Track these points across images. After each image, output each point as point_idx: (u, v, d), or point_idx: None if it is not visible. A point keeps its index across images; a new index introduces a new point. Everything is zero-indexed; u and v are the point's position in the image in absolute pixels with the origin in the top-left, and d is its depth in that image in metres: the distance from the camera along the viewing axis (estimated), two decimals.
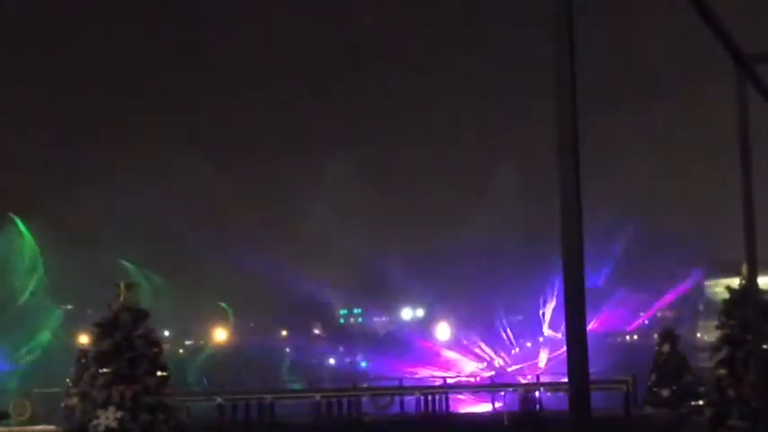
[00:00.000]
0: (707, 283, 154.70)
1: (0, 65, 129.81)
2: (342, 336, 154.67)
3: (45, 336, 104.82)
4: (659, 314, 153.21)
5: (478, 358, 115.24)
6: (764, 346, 11.15)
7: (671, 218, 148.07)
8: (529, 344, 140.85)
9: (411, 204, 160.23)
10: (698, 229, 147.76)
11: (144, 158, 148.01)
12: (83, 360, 34.63)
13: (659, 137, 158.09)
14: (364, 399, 55.44)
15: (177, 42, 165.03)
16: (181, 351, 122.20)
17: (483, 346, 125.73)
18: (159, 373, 21.96)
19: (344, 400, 55.55)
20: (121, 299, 22.15)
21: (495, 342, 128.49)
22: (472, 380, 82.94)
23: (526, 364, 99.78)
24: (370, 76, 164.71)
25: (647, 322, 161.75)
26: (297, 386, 71.78)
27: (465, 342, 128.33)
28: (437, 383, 59.79)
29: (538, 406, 54.00)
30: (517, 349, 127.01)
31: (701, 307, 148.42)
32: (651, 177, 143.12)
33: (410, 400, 55.09)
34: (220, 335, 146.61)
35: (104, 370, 21.49)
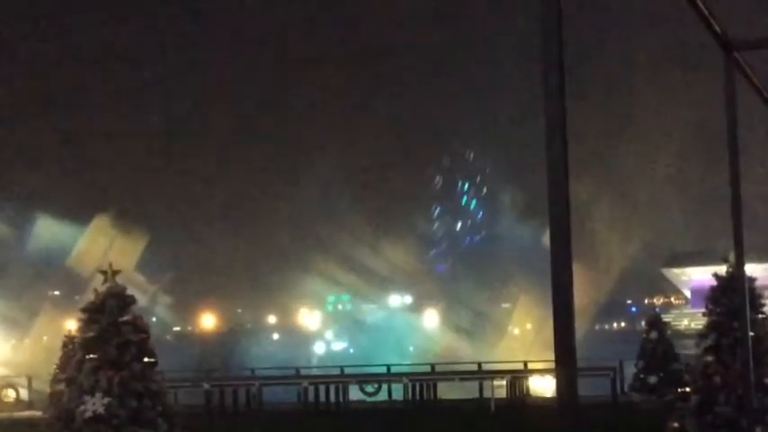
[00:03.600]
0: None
1: None
2: (330, 322, 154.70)
3: None
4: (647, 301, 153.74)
5: None
6: (751, 333, 11.18)
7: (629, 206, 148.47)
8: (517, 330, 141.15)
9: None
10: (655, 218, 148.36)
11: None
12: (69, 346, 34.57)
13: (642, 125, 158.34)
14: (352, 385, 55.48)
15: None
16: (168, 337, 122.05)
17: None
18: (146, 359, 21.89)
19: (332, 387, 55.57)
20: (108, 285, 22.06)
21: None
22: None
23: None
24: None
25: (634, 309, 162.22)
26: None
27: None
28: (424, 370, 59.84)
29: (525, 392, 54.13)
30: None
31: (688, 294, 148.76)
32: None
33: (397, 387, 55.13)
34: (208, 321, 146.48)
35: (91, 356, 21.41)
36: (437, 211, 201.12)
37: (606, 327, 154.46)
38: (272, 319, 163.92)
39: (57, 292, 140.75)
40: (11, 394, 55.60)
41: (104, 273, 22.23)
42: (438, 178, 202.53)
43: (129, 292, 22.44)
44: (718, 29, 7.76)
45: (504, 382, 54.51)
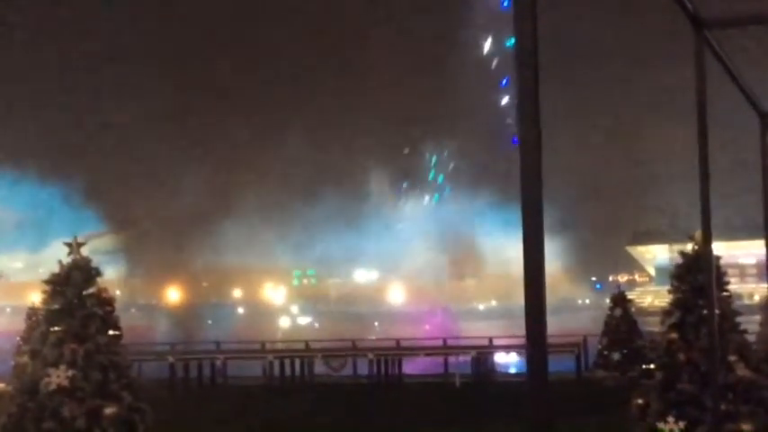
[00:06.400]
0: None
1: None
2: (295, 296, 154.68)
3: None
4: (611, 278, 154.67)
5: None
6: (716, 311, 11.24)
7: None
8: (482, 306, 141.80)
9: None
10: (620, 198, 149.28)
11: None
12: (33, 318, 34.33)
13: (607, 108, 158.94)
14: (317, 360, 55.54)
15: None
16: (133, 310, 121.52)
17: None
18: (111, 332, 21.77)
19: (297, 361, 55.61)
20: (73, 256, 21.89)
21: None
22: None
23: None
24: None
25: (598, 286, 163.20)
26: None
27: None
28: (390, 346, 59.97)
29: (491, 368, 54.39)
30: None
31: (652, 271, 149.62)
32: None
33: (363, 362, 55.22)
34: (173, 295, 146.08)
35: (55, 328, 21.27)
36: (404, 185, 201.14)
37: (571, 303, 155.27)
38: (237, 293, 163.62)
39: (19, 264, 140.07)
40: None
41: (69, 245, 22.06)
42: (405, 151, 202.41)
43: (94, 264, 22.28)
44: (689, 6, 7.74)
45: (469, 358, 54.72)
